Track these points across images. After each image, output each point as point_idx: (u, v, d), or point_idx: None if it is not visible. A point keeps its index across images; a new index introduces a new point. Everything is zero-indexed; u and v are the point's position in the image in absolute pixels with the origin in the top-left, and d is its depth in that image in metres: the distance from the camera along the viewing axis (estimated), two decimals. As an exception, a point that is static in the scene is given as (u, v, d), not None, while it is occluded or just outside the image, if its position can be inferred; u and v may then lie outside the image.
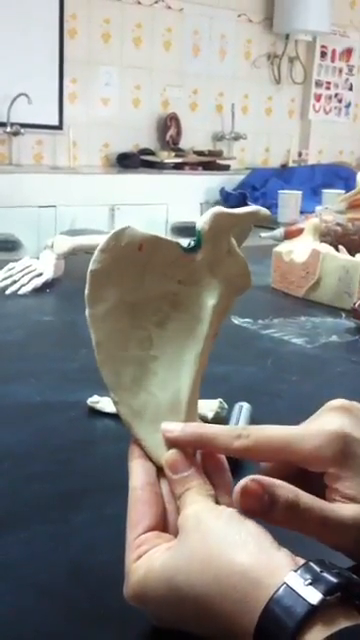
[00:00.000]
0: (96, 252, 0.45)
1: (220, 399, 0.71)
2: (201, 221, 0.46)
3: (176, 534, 0.41)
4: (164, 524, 0.43)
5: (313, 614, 0.33)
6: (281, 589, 0.34)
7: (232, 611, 0.36)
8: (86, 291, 0.45)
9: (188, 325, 0.47)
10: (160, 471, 0.45)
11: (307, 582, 0.34)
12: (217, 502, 0.42)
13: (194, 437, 0.44)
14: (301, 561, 0.36)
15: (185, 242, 0.47)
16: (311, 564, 0.35)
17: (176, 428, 0.44)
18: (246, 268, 0.48)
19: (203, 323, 0.47)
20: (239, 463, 0.61)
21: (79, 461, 0.63)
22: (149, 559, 0.40)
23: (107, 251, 0.45)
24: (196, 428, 0.45)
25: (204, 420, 0.64)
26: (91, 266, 0.45)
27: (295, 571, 0.35)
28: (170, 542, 0.41)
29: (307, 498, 0.40)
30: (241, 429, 0.44)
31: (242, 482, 0.39)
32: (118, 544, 0.44)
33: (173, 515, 0.43)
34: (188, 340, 0.47)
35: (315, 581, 0.34)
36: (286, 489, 0.40)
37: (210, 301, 0.47)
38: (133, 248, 0.45)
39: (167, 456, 0.44)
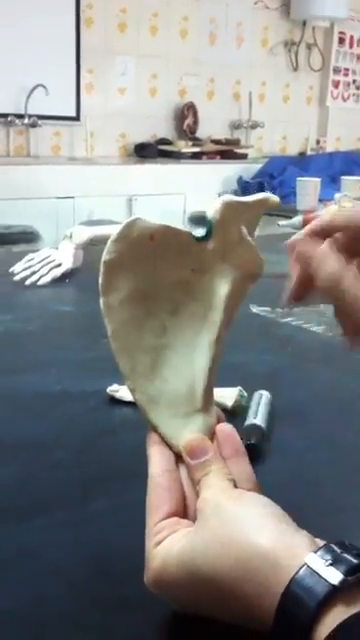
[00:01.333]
0: (109, 243, 0.46)
1: (240, 387, 0.71)
2: (211, 210, 0.47)
3: (195, 519, 0.41)
4: (183, 510, 0.43)
5: (334, 594, 0.33)
6: (302, 570, 0.35)
7: (253, 593, 0.36)
8: (100, 281, 0.46)
9: (201, 313, 0.47)
10: (178, 457, 0.45)
11: (328, 563, 0.34)
12: (236, 487, 0.42)
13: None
14: (321, 543, 0.37)
15: (197, 231, 0.47)
16: (332, 545, 0.36)
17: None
18: (257, 255, 0.48)
19: (216, 310, 0.47)
20: (256, 451, 0.61)
21: (99, 449, 0.63)
22: (168, 545, 0.40)
23: (119, 241, 0.45)
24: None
25: (223, 408, 0.64)
26: (104, 256, 0.46)
27: (315, 552, 0.35)
28: (189, 527, 0.41)
29: None
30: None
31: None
32: (137, 531, 0.44)
33: (193, 501, 0.43)
34: (202, 327, 0.47)
35: (335, 562, 0.34)
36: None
37: (223, 288, 0.47)
38: (145, 238, 0.45)
39: (185, 442, 0.44)
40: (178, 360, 0.47)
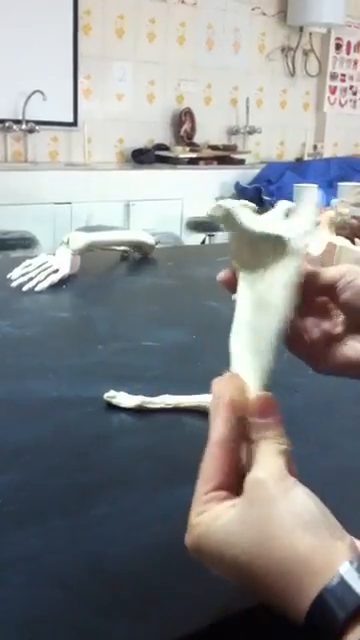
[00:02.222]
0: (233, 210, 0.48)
1: (236, 393, 0.71)
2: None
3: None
4: (235, 484, 0.42)
5: None
6: (335, 580, 0.35)
7: (286, 594, 0.37)
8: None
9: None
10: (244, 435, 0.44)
11: None
12: (289, 461, 0.42)
13: None
14: (358, 549, 0.37)
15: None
16: None
17: None
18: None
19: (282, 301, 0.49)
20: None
21: (96, 455, 0.63)
22: (211, 517, 0.40)
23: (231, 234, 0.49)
24: None
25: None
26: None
27: (351, 563, 0.35)
28: (235, 500, 0.40)
29: None
30: None
31: None
32: (135, 536, 0.44)
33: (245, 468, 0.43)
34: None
35: None
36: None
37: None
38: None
39: (256, 398, 0.44)
40: (260, 318, 0.48)
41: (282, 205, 0.53)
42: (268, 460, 0.41)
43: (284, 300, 0.46)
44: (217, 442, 0.43)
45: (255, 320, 0.47)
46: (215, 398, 0.45)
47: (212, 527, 0.39)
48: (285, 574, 0.37)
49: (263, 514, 0.38)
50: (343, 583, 0.35)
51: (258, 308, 0.47)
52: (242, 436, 0.43)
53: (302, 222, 0.49)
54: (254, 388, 0.45)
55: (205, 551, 0.40)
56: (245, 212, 0.49)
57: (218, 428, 0.43)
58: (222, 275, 0.51)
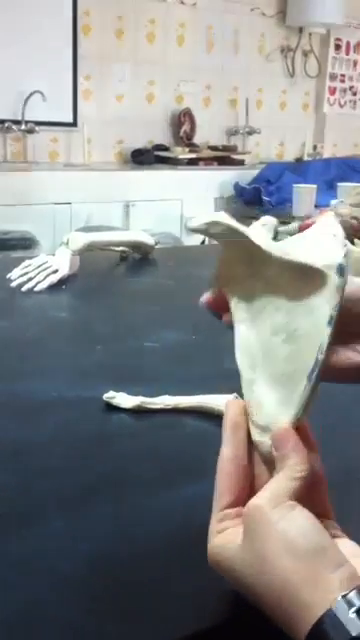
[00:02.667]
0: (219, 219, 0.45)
1: (235, 394, 0.71)
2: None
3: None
4: (249, 495, 0.43)
5: None
6: (326, 616, 0.35)
7: (284, 620, 0.37)
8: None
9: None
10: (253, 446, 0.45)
11: (352, 611, 0.35)
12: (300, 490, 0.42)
13: None
14: (356, 583, 0.37)
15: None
16: None
17: None
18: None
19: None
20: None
21: (95, 456, 0.63)
22: (226, 539, 0.41)
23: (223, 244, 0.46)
24: None
25: (218, 415, 0.64)
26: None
27: (345, 595, 0.36)
28: (241, 529, 0.41)
29: None
30: None
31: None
32: (133, 537, 0.44)
33: (264, 479, 0.44)
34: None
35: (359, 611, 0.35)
36: None
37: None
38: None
39: (274, 433, 0.44)
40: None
41: (294, 227, 0.50)
42: (274, 485, 0.41)
43: (326, 335, 0.43)
44: (229, 457, 0.44)
45: (281, 350, 0.45)
46: (225, 417, 0.46)
47: (223, 552, 0.41)
48: (282, 607, 0.37)
49: (258, 543, 0.39)
50: (334, 619, 0.35)
51: (285, 339, 0.45)
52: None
53: (334, 251, 0.45)
54: (281, 417, 0.44)
55: (222, 570, 0.41)
56: (259, 234, 0.45)
57: (228, 445, 0.45)
58: (207, 298, 0.48)
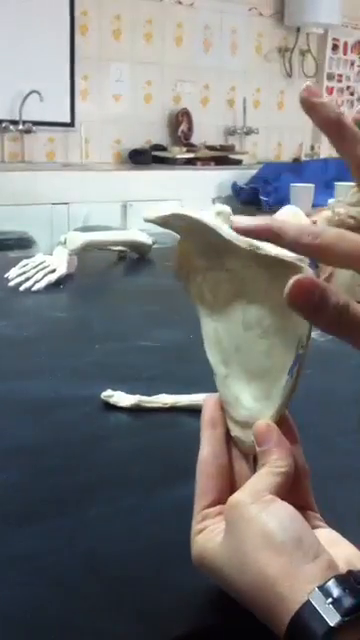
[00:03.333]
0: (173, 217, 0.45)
1: (233, 393, 0.71)
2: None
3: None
4: (230, 492, 0.43)
5: (332, 634, 0.34)
6: (304, 607, 0.35)
7: (264, 615, 0.38)
8: (175, 264, 0.46)
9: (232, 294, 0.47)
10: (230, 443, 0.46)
11: (329, 601, 0.35)
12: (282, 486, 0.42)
13: (262, 226, 0.39)
14: (333, 573, 0.36)
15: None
16: (337, 579, 0.36)
17: (243, 219, 0.40)
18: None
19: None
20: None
21: (93, 455, 0.63)
22: (207, 536, 0.42)
23: (180, 234, 0.46)
24: (265, 219, 0.40)
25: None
26: (179, 243, 0.46)
27: (321, 587, 0.35)
28: (223, 525, 0.41)
29: (358, 306, 0.38)
30: (314, 228, 0.40)
31: (296, 277, 0.35)
32: (132, 536, 0.44)
33: (243, 474, 0.44)
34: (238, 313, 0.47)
35: (336, 601, 0.35)
36: (338, 294, 0.37)
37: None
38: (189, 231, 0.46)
39: (254, 427, 0.44)
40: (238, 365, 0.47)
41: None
42: (254, 481, 0.42)
43: (306, 329, 0.42)
44: (207, 459, 0.45)
45: (256, 345, 0.44)
46: (203, 415, 0.46)
47: (205, 550, 0.41)
48: (260, 600, 0.38)
49: (238, 537, 0.39)
50: (311, 609, 0.35)
51: (261, 335, 0.44)
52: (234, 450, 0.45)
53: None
54: (261, 412, 0.44)
55: (206, 565, 0.42)
56: (220, 225, 0.44)
57: (207, 445, 0.45)
58: None
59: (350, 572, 0.36)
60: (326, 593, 0.35)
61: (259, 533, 0.39)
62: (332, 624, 0.34)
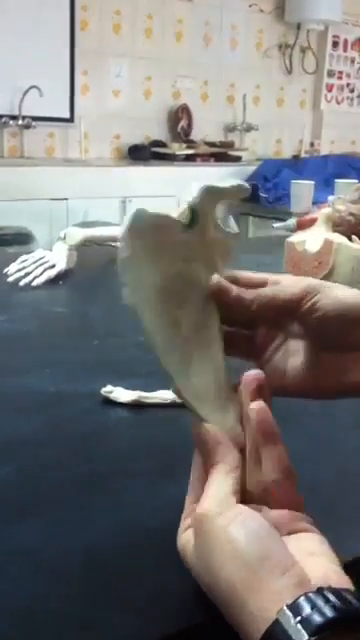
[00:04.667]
0: (122, 238, 0.44)
1: (233, 389, 0.71)
2: (193, 197, 0.47)
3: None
4: None
5: None
6: (273, 626, 0.35)
7: (238, 629, 0.37)
8: (124, 280, 0.45)
9: (201, 301, 0.47)
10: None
11: (297, 620, 0.34)
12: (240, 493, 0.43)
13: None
14: (303, 590, 0.36)
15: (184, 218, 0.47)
16: (309, 596, 0.35)
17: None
18: (230, 240, 0.49)
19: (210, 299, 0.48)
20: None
21: (93, 450, 0.63)
22: (187, 540, 0.43)
23: (131, 237, 0.45)
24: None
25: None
26: (122, 254, 0.45)
27: (290, 605, 0.35)
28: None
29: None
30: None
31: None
32: (132, 531, 0.44)
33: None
34: (205, 315, 0.47)
35: (304, 620, 0.34)
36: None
37: (209, 275, 0.47)
38: (149, 231, 0.45)
39: (193, 433, 0.45)
40: (199, 352, 0.47)
41: None
42: (214, 490, 0.42)
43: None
44: (199, 462, 0.46)
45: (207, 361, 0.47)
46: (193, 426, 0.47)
47: (186, 550, 0.43)
48: (232, 614, 0.38)
49: (207, 551, 0.40)
50: (280, 629, 0.35)
51: (204, 350, 0.47)
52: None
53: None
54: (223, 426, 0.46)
55: (187, 562, 0.43)
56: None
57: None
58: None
59: (320, 589, 0.35)
60: (295, 611, 0.35)
61: (226, 548, 0.39)
62: None
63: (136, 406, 0.71)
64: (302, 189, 2.62)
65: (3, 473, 0.58)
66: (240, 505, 0.41)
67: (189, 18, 4.14)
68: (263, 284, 0.49)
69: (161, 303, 0.46)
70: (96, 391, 0.73)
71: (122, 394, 0.72)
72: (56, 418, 0.70)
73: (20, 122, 3.57)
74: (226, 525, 0.39)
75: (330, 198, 1.52)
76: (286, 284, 0.48)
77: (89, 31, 3.79)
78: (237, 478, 0.43)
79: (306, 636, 0.34)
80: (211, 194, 0.47)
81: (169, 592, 0.44)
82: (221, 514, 0.40)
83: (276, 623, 0.35)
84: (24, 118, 3.56)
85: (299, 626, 0.34)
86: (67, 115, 3.76)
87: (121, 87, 3.97)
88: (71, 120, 3.77)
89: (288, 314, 0.48)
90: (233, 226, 0.58)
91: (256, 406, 0.45)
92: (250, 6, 4.38)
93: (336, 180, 2.57)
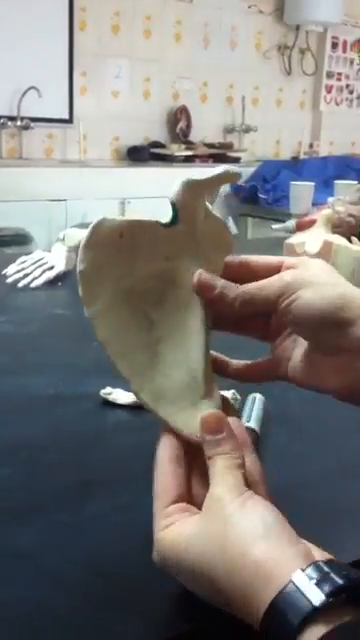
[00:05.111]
0: (80, 251, 0.45)
1: (233, 390, 0.71)
2: (173, 193, 0.47)
3: (202, 499, 0.42)
4: (189, 493, 0.44)
5: (315, 613, 0.35)
6: (288, 586, 0.36)
7: (243, 602, 0.37)
8: (80, 292, 0.45)
9: (185, 298, 0.47)
10: (189, 447, 0.45)
11: (313, 582, 0.36)
12: (246, 478, 0.42)
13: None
14: (317, 555, 0.38)
15: (164, 217, 0.47)
16: (320, 564, 0.37)
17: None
18: (225, 226, 0.48)
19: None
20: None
21: (93, 452, 0.63)
22: (178, 530, 0.41)
23: (90, 247, 0.45)
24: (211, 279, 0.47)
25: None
26: (79, 266, 0.45)
27: (304, 570, 0.36)
28: (195, 516, 0.42)
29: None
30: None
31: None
32: (132, 532, 0.44)
33: (200, 485, 0.44)
34: (187, 313, 0.47)
35: (320, 581, 0.36)
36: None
37: (199, 268, 0.47)
38: (114, 238, 0.45)
39: (203, 417, 0.44)
40: (173, 351, 0.47)
41: None
42: (224, 477, 0.42)
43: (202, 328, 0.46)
44: (167, 458, 0.45)
45: (178, 357, 0.47)
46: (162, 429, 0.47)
47: (177, 541, 0.41)
48: (242, 584, 0.37)
49: (220, 529, 0.39)
50: (295, 590, 0.36)
51: (175, 345, 0.47)
52: (193, 452, 0.45)
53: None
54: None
55: (171, 564, 0.41)
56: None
57: (162, 447, 0.46)
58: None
59: (330, 560, 0.37)
60: (310, 574, 0.36)
61: (243, 524, 0.39)
62: (316, 604, 0.35)
63: (135, 408, 0.71)
64: (301, 190, 2.62)
65: (2, 476, 0.58)
66: (251, 491, 0.41)
67: (188, 19, 4.14)
68: (277, 268, 0.48)
69: (131, 305, 0.46)
70: (95, 393, 0.73)
71: (121, 396, 0.72)
72: (55, 420, 0.69)
73: (19, 123, 3.57)
74: (242, 503, 0.40)
75: (330, 199, 1.52)
76: (273, 279, 0.46)
77: (88, 32, 3.78)
78: (244, 475, 0.42)
79: (323, 597, 0.35)
80: (191, 187, 0.46)
81: (170, 596, 0.44)
82: (237, 496, 0.41)
83: (291, 584, 0.36)
84: (23, 119, 3.56)
85: (315, 587, 0.35)
86: (66, 116, 3.76)
87: (120, 88, 3.97)
88: (70, 121, 3.77)
89: (269, 312, 0.47)
90: (232, 227, 0.57)
91: (231, 420, 0.45)
92: (249, 7, 4.38)
93: (335, 181, 2.57)
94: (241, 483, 0.42)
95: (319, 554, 0.38)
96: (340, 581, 0.36)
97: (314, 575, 0.36)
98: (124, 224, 0.45)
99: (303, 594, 0.35)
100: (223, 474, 0.42)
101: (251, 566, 0.37)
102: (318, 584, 0.35)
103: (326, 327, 0.44)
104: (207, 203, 0.48)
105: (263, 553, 0.37)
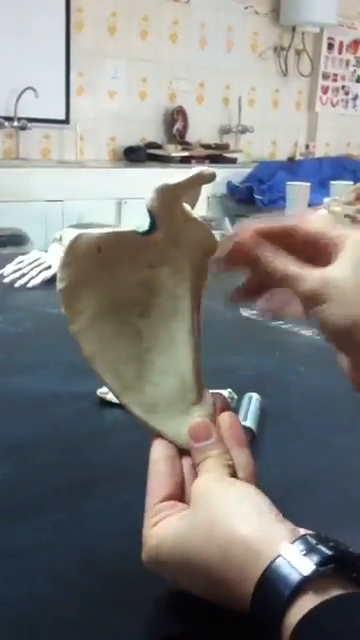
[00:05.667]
0: (59, 269, 0.45)
1: (229, 390, 0.71)
2: (148, 200, 0.46)
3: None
4: (181, 494, 0.44)
5: (305, 583, 0.35)
6: (278, 559, 0.37)
7: (234, 578, 0.38)
8: (63, 310, 0.45)
9: (170, 306, 0.47)
10: (183, 453, 0.46)
11: (302, 553, 0.36)
12: (234, 475, 0.43)
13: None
14: (301, 533, 0.38)
15: (141, 226, 0.47)
16: (307, 537, 0.37)
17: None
18: (207, 229, 0.47)
19: (183, 298, 0.47)
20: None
21: (90, 451, 0.63)
22: (165, 526, 0.42)
23: (68, 265, 0.45)
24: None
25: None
26: (59, 285, 0.45)
27: (292, 542, 0.37)
28: (183, 511, 0.42)
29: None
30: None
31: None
32: (129, 531, 0.44)
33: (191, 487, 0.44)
34: (174, 320, 0.47)
35: (309, 552, 0.36)
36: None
37: (184, 274, 0.47)
38: (92, 252, 0.45)
39: (191, 425, 0.45)
40: (162, 360, 0.47)
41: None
42: (210, 472, 0.43)
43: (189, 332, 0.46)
44: (159, 458, 0.46)
45: (165, 363, 0.46)
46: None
47: (167, 533, 0.41)
48: (232, 561, 0.38)
49: (206, 515, 0.40)
50: (285, 562, 0.36)
51: (164, 348, 0.47)
52: (188, 452, 0.46)
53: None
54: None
55: (161, 560, 0.41)
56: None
57: (157, 448, 0.46)
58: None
59: (317, 534, 0.38)
60: (298, 547, 0.37)
61: (231, 500, 0.40)
62: (306, 573, 0.35)
63: (132, 407, 0.71)
64: (298, 191, 2.62)
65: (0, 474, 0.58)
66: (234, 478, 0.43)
67: (185, 20, 4.14)
68: (324, 247, 0.43)
69: (116, 318, 0.46)
70: (92, 392, 0.73)
71: (118, 395, 0.72)
72: (52, 419, 0.70)
73: (15, 124, 3.56)
74: (228, 486, 0.41)
75: (325, 200, 1.52)
76: (308, 277, 0.42)
77: (85, 32, 3.78)
78: (231, 474, 0.43)
79: (312, 566, 0.36)
80: (166, 192, 0.46)
81: (167, 594, 0.44)
82: (223, 481, 0.42)
83: (281, 557, 0.36)
84: (19, 119, 3.56)
85: (305, 558, 0.36)
86: (63, 117, 3.76)
87: (117, 89, 3.97)
88: (67, 122, 3.77)
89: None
90: (228, 228, 0.57)
91: (227, 415, 0.46)
92: (246, 8, 4.38)
93: (331, 182, 2.57)
94: (227, 474, 0.42)
95: (305, 531, 0.39)
96: (329, 552, 0.36)
97: (302, 547, 0.37)
98: (101, 238, 0.45)
99: (292, 565, 0.36)
100: (209, 470, 0.43)
101: (240, 545, 0.38)
102: (307, 555, 0.36)
103: (351, 345, 0.42)
104: (187, 206, 0.47)
105: (251, 531, 0.38)
